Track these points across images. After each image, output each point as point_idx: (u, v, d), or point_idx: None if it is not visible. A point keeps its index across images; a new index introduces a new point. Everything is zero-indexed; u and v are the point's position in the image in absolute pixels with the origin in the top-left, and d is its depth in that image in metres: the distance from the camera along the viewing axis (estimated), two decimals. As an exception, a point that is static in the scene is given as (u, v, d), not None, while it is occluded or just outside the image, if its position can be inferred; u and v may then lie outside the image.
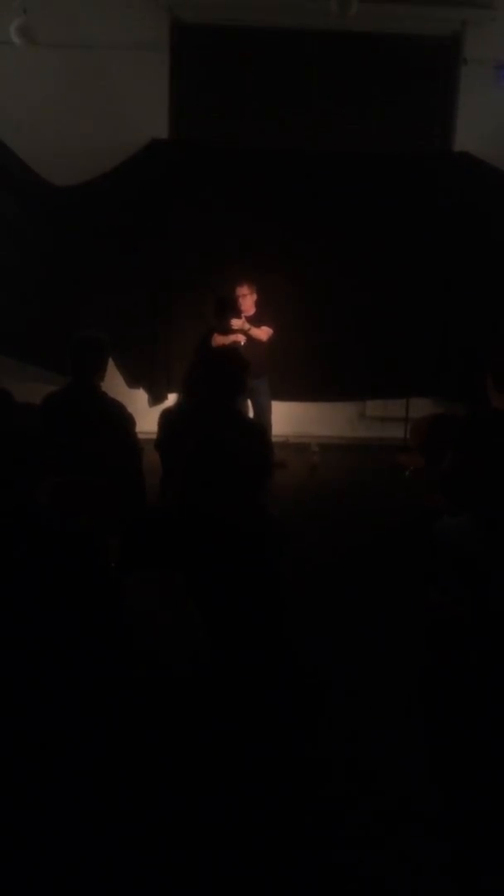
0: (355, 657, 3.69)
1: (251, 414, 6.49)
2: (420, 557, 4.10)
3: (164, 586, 2.51)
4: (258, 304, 6.55)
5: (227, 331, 6.36)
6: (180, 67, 7.43)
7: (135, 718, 2.42)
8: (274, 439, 6.00)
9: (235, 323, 6.37)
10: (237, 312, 6.44)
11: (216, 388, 3.83)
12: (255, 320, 6.48)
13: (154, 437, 3.98)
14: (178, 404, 4.91)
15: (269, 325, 6.48)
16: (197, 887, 2.30)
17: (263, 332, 6.45)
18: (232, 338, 6.34)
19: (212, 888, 2.31)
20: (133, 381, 7.51)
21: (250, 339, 6.38)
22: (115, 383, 6.50)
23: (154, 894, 2.27)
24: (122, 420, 4.04)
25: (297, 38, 7.41)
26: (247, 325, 6.39)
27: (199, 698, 2.46)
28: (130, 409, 4.14)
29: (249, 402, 6.58)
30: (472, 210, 7.25)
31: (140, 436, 4.15)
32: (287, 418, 7.46)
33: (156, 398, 7.46)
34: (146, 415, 5.71)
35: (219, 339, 6.26)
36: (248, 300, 6.50)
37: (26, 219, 7.22)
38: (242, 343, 6.32)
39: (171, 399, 7.18)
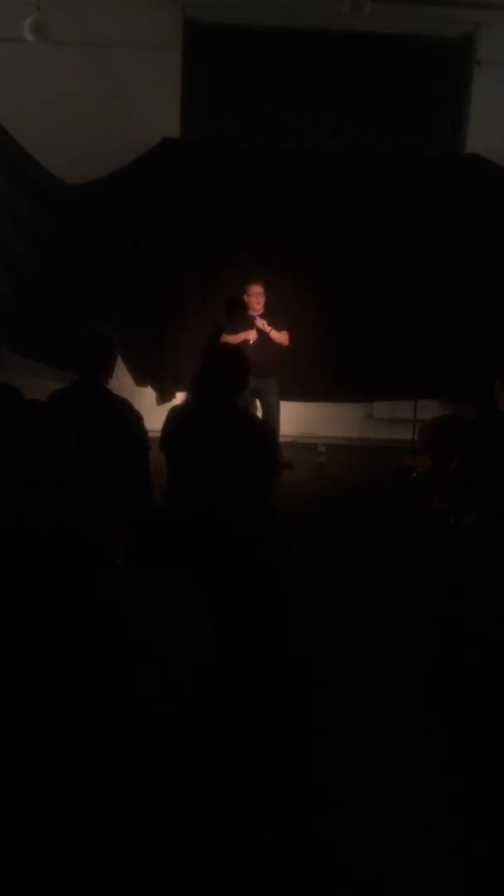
0: (361, 658, 3.68)
1: (259, 413, 6.49)
2: (426, 559, 4.09)
3: (169, 584, 2.51)
4: (270, 304, 6.54)
5: (237, 330, 6.36)
6: (193, 66, 7.45)
7: (138, 714, 2.42)
8: (281, 439, 5.99)
9: (259, 322, 6.38)
10: (246, 312, 6.44)
11: (218, 387, 3.82)
12: (267, 320, 6.49)
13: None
14: (185, 403, 4.89)
15: (284, 328, 6.48)
16: (197, 876, 2.30)
17: (283, 337, 6.45)
18: (242, 335, 6.34)
19: (212, 877, 2.31)
20: (141, 379, 7.52)
21: (263, 340, 6.38)
22: (122, 381, 6.50)
23: (153, 881, 2.27)
24: (129, 418, 4.03)
25: (310, 38, 7.42)
26: (268, 328, 6.39)
27: (202, 694, 2.46)
28: (138, 406, 4.14)
29: (258, 402, 6.58)
30: (482, 212, 7.25)
31: (148, 434, 4.14)
32: (295, 419, 7.46)
33: (164, 396, 7.47)
34: (154, 413, 5.70)
35: (228, 339, 6.25)
36: (259, 299, 6.49)
37: (38, 217, 7.25)
38: (252, 342, 6.32)
39: (179, 398, 7.18)
